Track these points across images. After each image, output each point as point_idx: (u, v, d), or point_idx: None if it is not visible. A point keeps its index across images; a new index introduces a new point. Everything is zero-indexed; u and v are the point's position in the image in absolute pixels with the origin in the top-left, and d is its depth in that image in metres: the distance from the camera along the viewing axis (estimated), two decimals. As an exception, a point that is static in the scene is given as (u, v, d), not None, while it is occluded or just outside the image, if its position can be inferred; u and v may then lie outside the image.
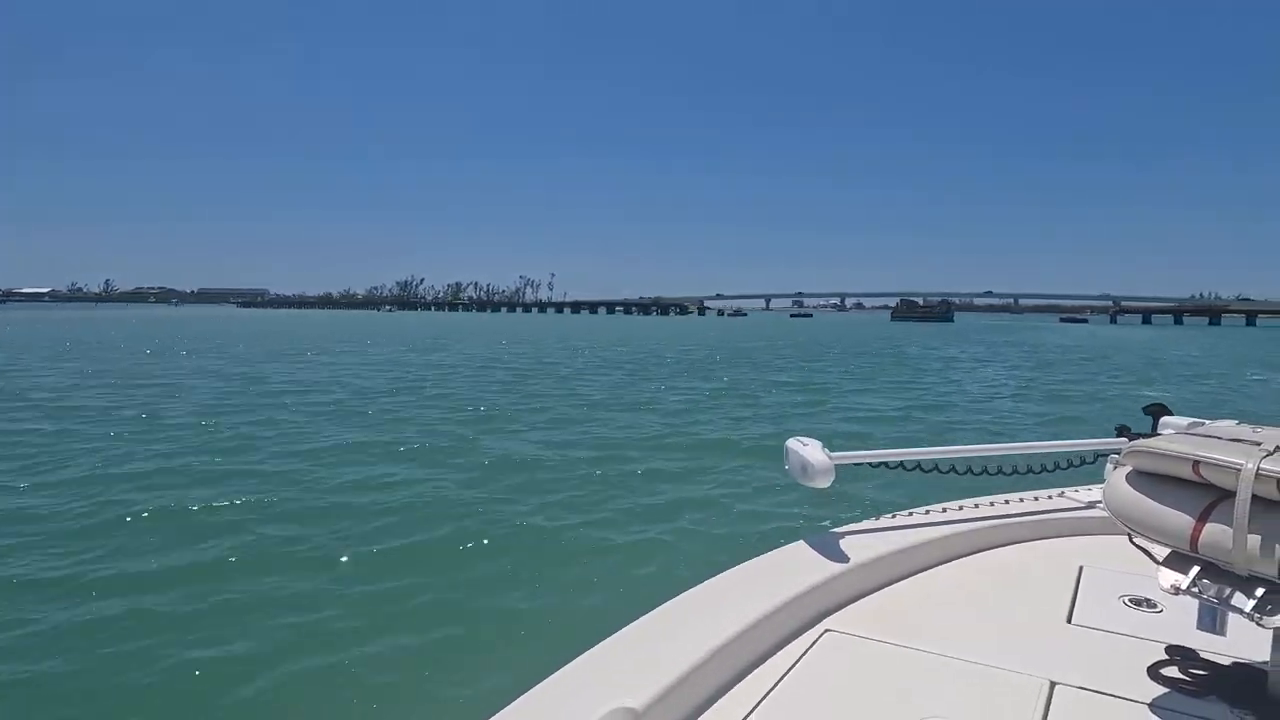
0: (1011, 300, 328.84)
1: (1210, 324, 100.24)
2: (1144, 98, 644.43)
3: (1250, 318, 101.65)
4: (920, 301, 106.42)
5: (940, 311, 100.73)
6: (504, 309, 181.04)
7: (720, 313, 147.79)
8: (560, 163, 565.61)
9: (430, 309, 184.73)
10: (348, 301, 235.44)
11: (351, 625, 3.52)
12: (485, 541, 4.71)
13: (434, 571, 4.22)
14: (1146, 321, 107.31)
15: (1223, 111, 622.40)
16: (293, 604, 3.73)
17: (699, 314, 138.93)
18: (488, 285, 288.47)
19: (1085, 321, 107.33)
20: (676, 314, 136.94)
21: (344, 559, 4.33)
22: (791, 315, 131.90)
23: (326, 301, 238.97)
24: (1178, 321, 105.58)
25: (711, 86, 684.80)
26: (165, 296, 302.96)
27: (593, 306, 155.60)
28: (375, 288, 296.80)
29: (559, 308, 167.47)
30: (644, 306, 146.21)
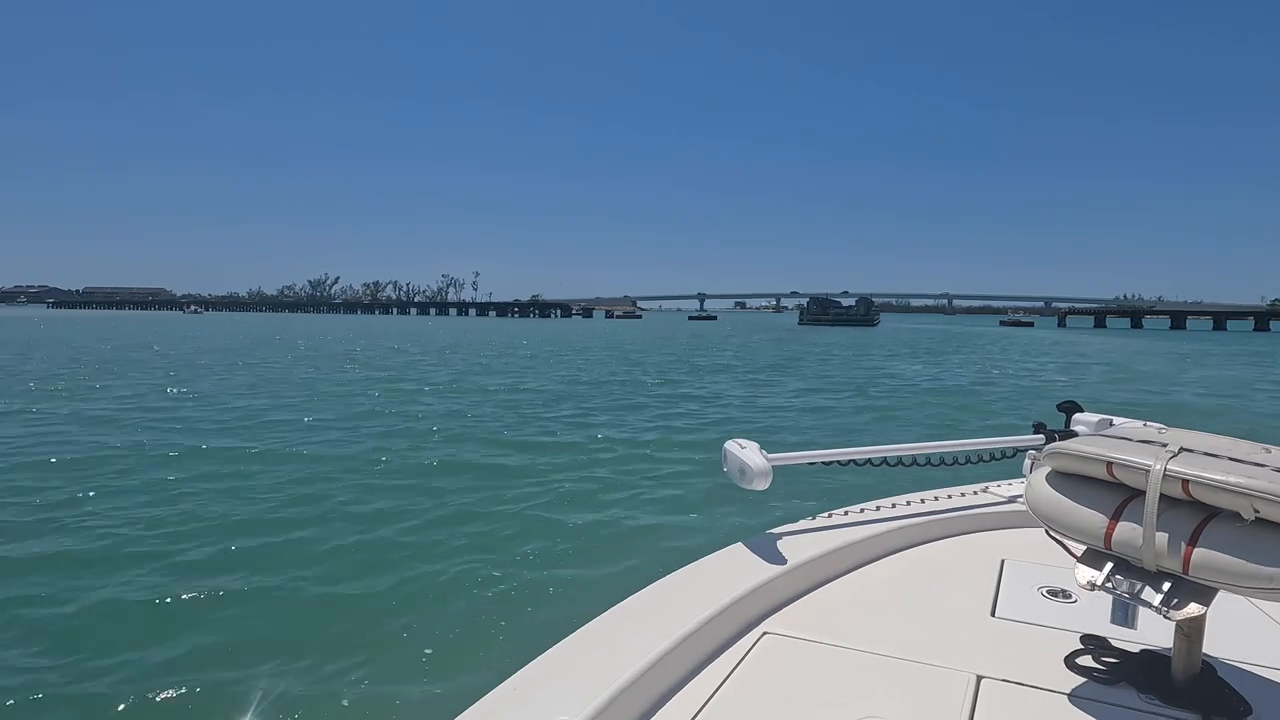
0: (945, 301, 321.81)
1: (1173, 328, 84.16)
2: (1070, 119, 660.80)
3: (1218, 320, 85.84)
4: (849, 303, 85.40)
5: (859, 314, 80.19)
6: (413, 310, 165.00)
7: (609, 314, 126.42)
8: (499, 163, 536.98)
9: (326, 310, 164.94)
10: (166, 301, 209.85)
11: (278, 638, 3.47)
12: (407, 563, 4.55)
13: (362, 589, 4.10)
14: (1100, 325, 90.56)
15: (1138, 131, 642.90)
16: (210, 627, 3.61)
17: (584, 316, 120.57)
18: (408, 285, 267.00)
19: (1031, 325, 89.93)
20: (560, 316, 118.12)
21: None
22: (690, 318, 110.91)
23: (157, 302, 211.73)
24: (1135, 325, 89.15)
25: (654, 101, 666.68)
26: (41, 296, 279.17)
27: (463, 308, 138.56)
28: (286, 287, 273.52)
29: (423, 308, 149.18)
30: (525, 308, 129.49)
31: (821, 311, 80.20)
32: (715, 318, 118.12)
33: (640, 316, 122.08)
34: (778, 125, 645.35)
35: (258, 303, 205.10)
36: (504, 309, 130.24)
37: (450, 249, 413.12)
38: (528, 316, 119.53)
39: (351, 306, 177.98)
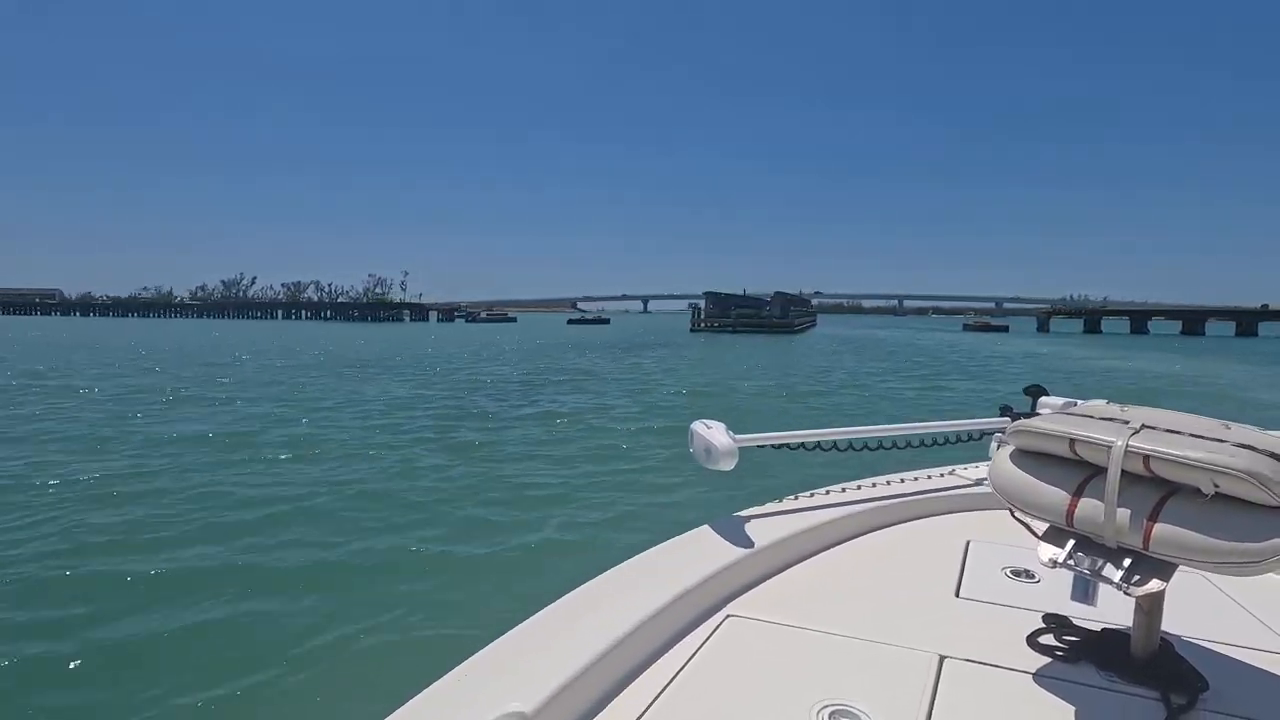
0: (896, 302, 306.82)
1: (1185, 333, 64.18)
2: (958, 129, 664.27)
3: (1242, 324, 65.85)
4: (769, 299, 60.99)
5: (773, 317, 56.59)
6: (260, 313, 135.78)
7: (471, 318, 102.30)
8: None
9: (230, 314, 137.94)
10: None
11: (239, 625, 3.59)
12: (372, 544, 4.76)
13: (326, 569, 4.31)
14: (1093, 330, 69.94)
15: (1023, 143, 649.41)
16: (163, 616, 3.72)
17: (444, 319, 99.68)
18: (330, 285, 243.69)
19: (1005, 330, 68.90)
20: (412, 319, 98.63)
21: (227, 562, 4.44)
22: (569, 321, 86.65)
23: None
24: (1138, 330, 68.74)
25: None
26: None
27: (288, 309, 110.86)
28: (199, 287, 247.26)
29: (262, 310, 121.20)
30: (366, 309, 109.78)
31: (721, 313, 56.37)
32: (607, 321, 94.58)
33: (514, 319, 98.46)
34: (765, 147, 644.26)
35: (148, 305, 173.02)
36: (344, 310, 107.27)
37: (434, 255, 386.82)
38: (368, 320, 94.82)
39: (230, 310, 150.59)
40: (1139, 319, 71.03)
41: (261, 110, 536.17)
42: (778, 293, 62.25)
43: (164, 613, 3.77)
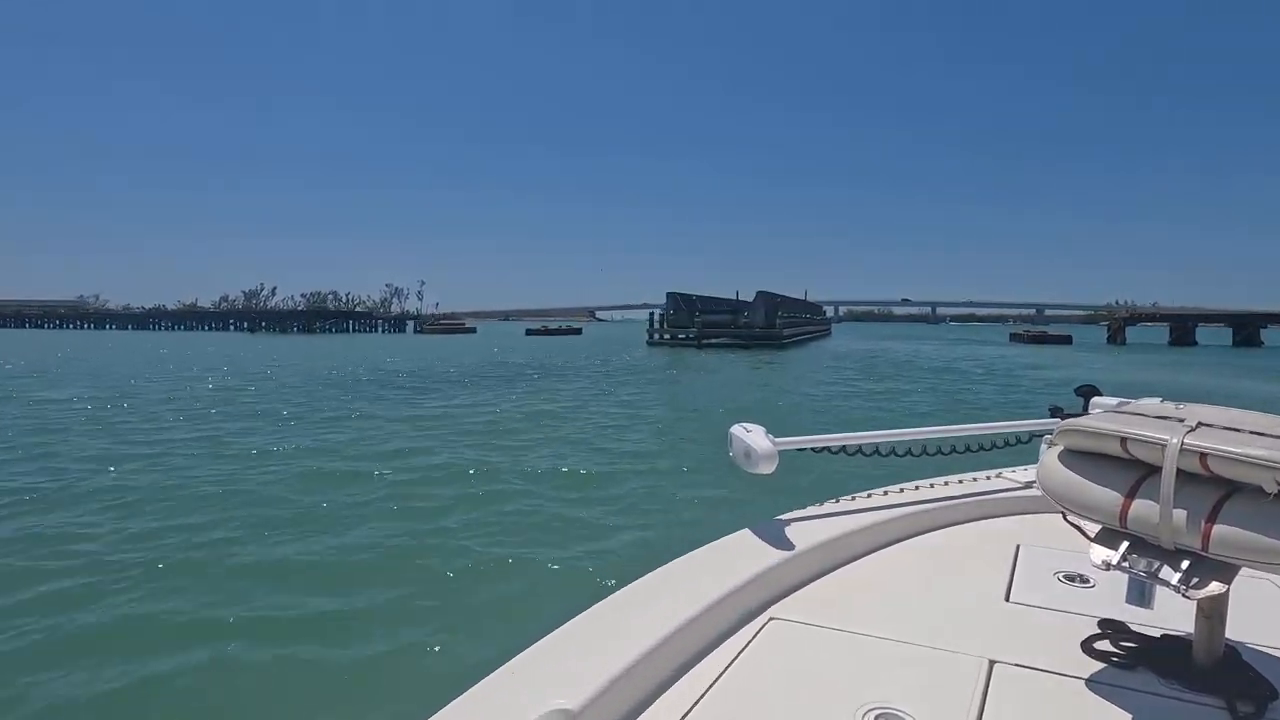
0: (929, 309, 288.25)
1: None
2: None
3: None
4: (751, 309, 45.69)
5: (756, 324, 42.37)
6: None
7: (420, 328, 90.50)
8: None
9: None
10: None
11: (297, 622, 3.65)
12: (419, 547, 4.83)
13: (380, 570, 4.42)
14: (1182, 341, 54.09)
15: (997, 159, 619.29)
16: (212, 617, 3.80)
17: (392, 330, 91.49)
18: (347, 295, 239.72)
19: (1068, 341, 54.10)
20: (356, 329, 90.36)
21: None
22: (528, 332, 73.44)
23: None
24: (1246, 341, 52.64)
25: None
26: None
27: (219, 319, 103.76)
28: (223, 298, 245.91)
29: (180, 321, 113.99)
30: (283, 319, 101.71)
31: (686, 319, 42.50)
32: (579, 331, 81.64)
33: (474, 330, 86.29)
34: (789, 155, 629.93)
35: (174, 316, 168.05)
36: (282, 320, 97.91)
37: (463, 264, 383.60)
38: (306, 331, 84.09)
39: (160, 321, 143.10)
40: (1245, 327, 54.21)
41: (286, 113, 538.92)
42: (761, 293, 46.70)
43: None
